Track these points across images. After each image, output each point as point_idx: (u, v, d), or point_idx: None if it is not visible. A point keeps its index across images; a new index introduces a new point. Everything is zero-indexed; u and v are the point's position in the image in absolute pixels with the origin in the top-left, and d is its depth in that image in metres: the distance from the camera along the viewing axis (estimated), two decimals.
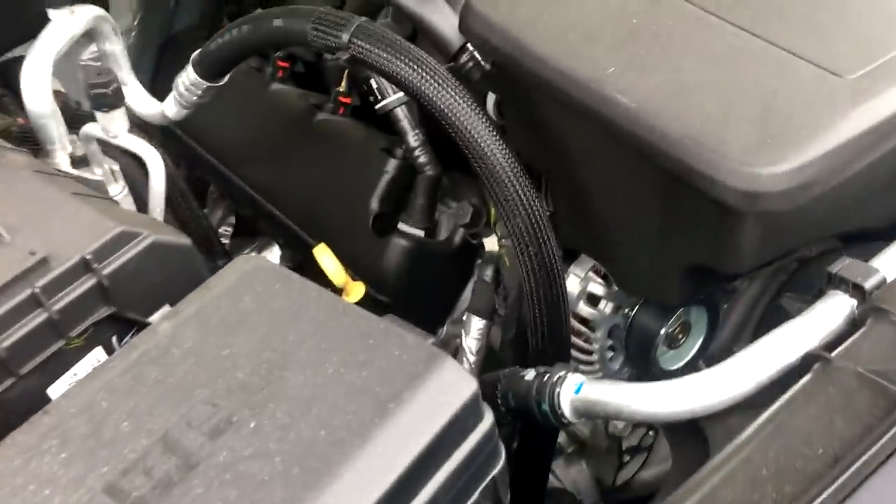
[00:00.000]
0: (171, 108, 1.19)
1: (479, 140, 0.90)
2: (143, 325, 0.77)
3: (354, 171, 1.31)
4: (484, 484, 0.67)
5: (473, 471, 0.65)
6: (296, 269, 1.56)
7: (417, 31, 1.17)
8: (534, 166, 1.06)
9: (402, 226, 1.26)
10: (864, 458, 0.60)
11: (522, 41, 0.86)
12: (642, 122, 0.79)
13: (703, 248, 0.85)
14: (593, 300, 1.09)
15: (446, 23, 1.09)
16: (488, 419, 0.65)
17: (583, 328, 1.09)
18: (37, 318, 0.70)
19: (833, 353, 0.70)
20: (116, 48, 1.20)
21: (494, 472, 0.67)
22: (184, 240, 0.79)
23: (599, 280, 1.08)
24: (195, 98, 1.16)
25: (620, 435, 1.24)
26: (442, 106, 0.91)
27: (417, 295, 1.28)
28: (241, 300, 0.70)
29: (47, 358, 0.71)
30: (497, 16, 0.90)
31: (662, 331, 1.05)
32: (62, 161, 1.05)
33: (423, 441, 0.60)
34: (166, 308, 0.78)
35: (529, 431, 0.94)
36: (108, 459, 0.59)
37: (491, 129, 0.91)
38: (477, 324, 1.17)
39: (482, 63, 1.03)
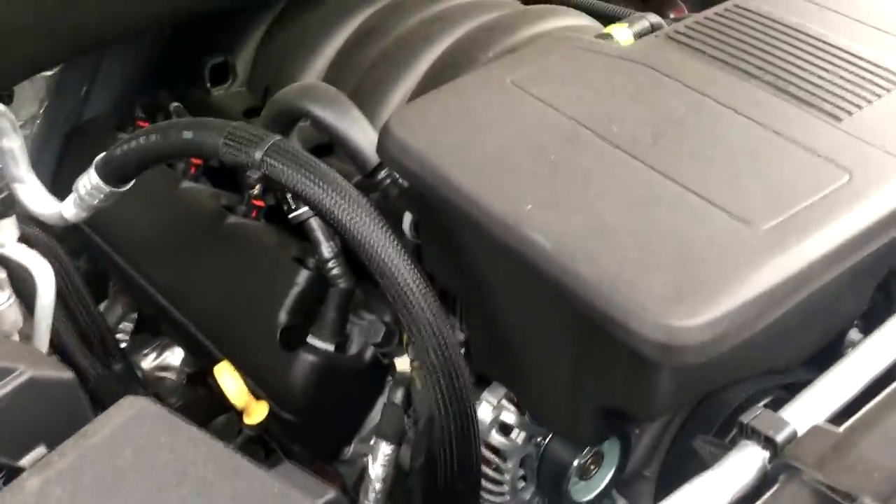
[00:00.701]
0: (69, 209, 1.13)
1: (389, 265, 0.87)
2: (13, 469, 0.70)
3: (264, 281, 1.26)
4: None
5: None
6: (198, 375, 1.50)
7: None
8: (449, 290, 1.04)
9: (311, 339, 1.20)
10: None
11: (440, 170, 0.84)
12: (558, 263, 0.77)
13: (618, 393, 0.83)
14: (505, 429, 1.05)
15: (364, 138, 1.08)
16: None
17: (494, 458, 1.05)
18: None
19: None
20: (15, 145, 1.14)
21: None
22: (66, 374, 0.73)
23: (512, 409, 1.05)
24: (96, 202, 1.10)
25: None
26: (353, 230, 0.88)
27: (325, 412, 1.22)
28: (121, 453, 0.63)
29: None
30: (415, 141, 0.88)
31: (575, 462, 1.02)
32: None
33: None
34: (41, 449, 0.71)
35: None
36: None
37: (402, 253, 0.88)
38: (385, 449, 1.12)
39: (399, 180, 1.02)
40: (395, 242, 0.88)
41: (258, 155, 0.91)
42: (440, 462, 0.93)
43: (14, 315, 1.02)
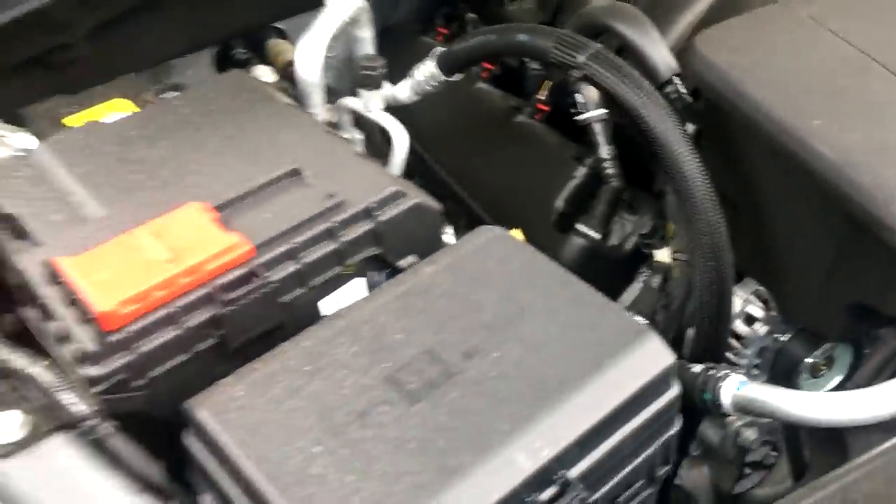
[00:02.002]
0: (403, 92, 1.38)
1: (683, 162, 1.05)
2: (393, 268, 0.96)
3: (545, 172, 1.47)
4: (662, 441, 0.82)
5: (656, 428, 0.81)
6: None
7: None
8: (721, 192, 1.20)
9: (580, 226, 1.41)
10: None
11: (741, 85, 1.00)
12: (840, 172, 0.92)
13: (871, 290, 0.97)
14: (750, 320, 1.22)
15: (658, 54, 1.24)
16: (675, 390, 0.81)
17: (736, 343, 1.22)
18: (328, 247, 0.90)
19: None
20: (367, 35, 1.40)
21: (670, 434, 0.83)
22: (437, 205, 0.98)
23: (759, 303, 1.21)
24: (429, 88, 1.35)
25: (748, 447, 1.36)
26: (656, 128, 1.06)
27: None
28: (486, 260, 0.87)
29: (328, 278, 0.91)
30: (719, 59, 1.04)
31: (809, 359, 1.17)
32: None
33: (626, 393, 0.76)
34: (412, 258, 0.96)
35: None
36: (387, 358, 0.78)
37: (696, 155, 1.06)
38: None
39: (684, 96, 1.18)
40: (690, 144, 1.05)
41: (582, 58, 1.11)
42: (695, 338, 1.11)
43: None
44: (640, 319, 0.82)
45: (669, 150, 1.05)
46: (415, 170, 1.80)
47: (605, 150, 1.40)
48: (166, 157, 0.98)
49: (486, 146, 1.61)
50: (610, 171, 1.40)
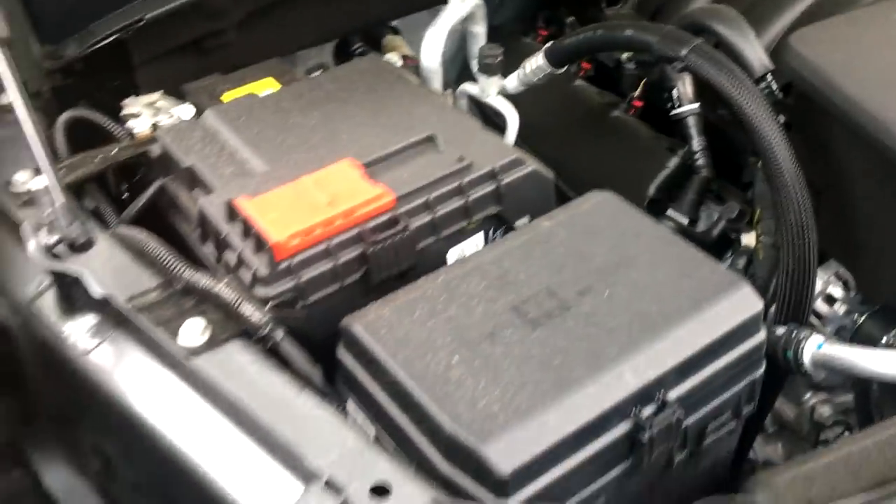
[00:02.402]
0: (512, 83, 1.52)
1: (776, 146, 1.15)
2: (508, 227, 1.09)
3: (638, 162, 1.59)
4: (748, 380, 0.93)
5: (743, 367, 0.92)
6: None
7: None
8: (808, 179, 1.30)
9: (670, 212, 1.52)
10: None
11: (833, 79, 1.11)
12: None
13: None
14: (830, 300, 1.31)
15: (752, 53, 1.35)
16: (762, 334, 0.92)
17: (816, 321, 1.32)
18: (457, 203, 1.04)
19: None
20: (481, 30, 1.54)
21: (756, 375, 0.94)
22: (550, 174, 1.11)
23: (840, 284, 1.30)
24: (535, 79, 1.48)
25: (822, 424, 1.44)
26: (752, 117, 1.17)
27: None
28: (597, 217, 1.00)
29: (455, 231, 1.05)
30: (813, 55, 1.15)
31: (884, 339, 1.26)
32: None
33: (720, 331, 0.88)
34: (526, 219, 1.09)
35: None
36: (511, 292, 0.91)
37: (787, 143, 1.16)
38: None
39: (775, 92, 1.28)
40: (782, 131, 1.16)
41: (684, 52, 1.23)
42: (780, 308, 1.21)
43: None
44: (736, 275, 0.93)
45: (763, 135, 1.16)
46: None
47: (696, 143, 1.51)
48: (317, 125, 1.14)
49: (582, 139, 1.74)
50: (700, 161, 1.51)
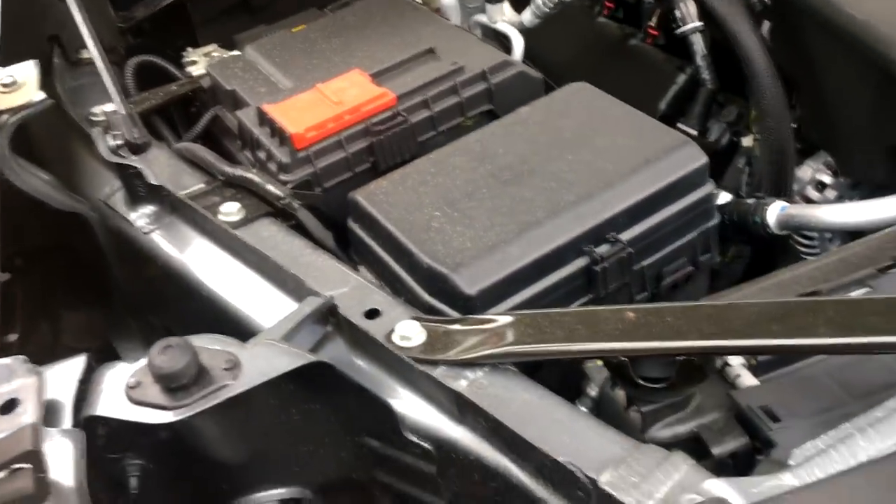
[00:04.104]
0: (527, 17, 1.67)
1: (745, 40, 1.28)
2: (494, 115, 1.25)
3: (652, 82, 1.71)
4: (700, 230, 1.06)
5: (694, 215, 1.05)
6: None
7: None
8: (790, 78, 1.40)
9: (681, 125, 1.64)
10: None
11: None
12: (870, 30, 1.12)
13: None
14: (820, 187, 1.41)
15: None
16: (709, 187, 1.05)
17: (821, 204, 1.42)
18: (452, 100, 1.21)
19: None
20: None
21: (708, 225, 1.07)
22: (538, 74, 1.26)
23: (828, 172, 1.40)
24: (547, 10, 1.62)
25: None
26: (727, 19, 1.29)
27: None
28: (571, 101, 1.15)
29: (452, 126, 1.21)
30: None
31: None
32: None
33: (666, 181, 1.02)
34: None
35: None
36: (490, 162, 1.07)
37: (760, 43, 1.28)
38: (725, 197, 1.53)
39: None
40: (758, 38, 1.27)
41: None
42: (766, 181, 1.32)
43: None
44: (681, 135, 1.06)
45: (731, 28, 1.29)
46: None
47: (700, 58, 1.62)
48: (336, 48, 1.33)
49: (604, 69, 1.86)
50: (705, 75, 1.62)
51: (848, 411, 0.75)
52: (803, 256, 1.42)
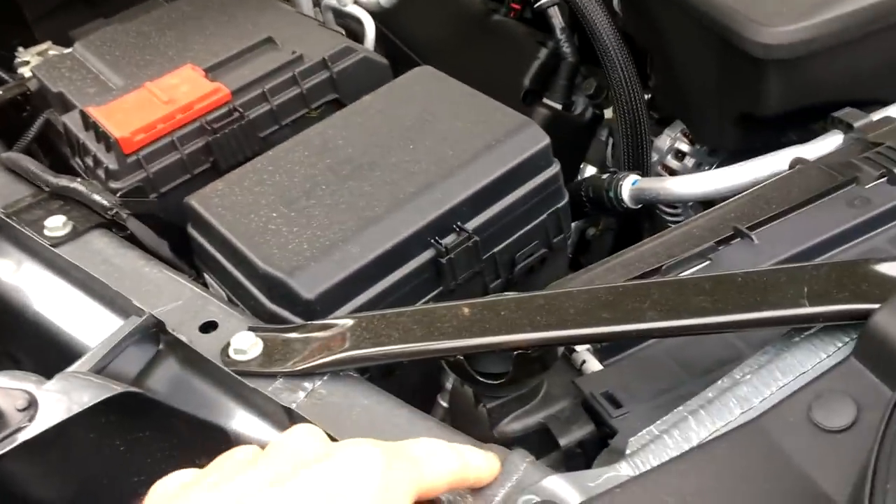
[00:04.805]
0: None
1: (592, 15, 1.26)
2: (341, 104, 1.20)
3: (515, 57, 1.69)
4: (550, 211, 1.04)
5: (542, 197, 1.03)
6: None
7: None
8: (643, 48, 1.40)
9: (545, 99, 1.63)
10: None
11: None
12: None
13: (744, 97, 1.16)
14: (679, 155, 1.41)
15: None
16: (555, 168, 1.03)
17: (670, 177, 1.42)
18: (293, 91, 1.15)
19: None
20: None
21: (559, 205, 1.05)
22: (384, 61, 1.21)
23: (686, 140, 1.41)
24: None
25: None
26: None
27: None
28: (414, 87, 1.11)
29: (296, 119, 1.16)
30: None
31: None
32: None
33: (509, 164, 0.99)
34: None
35: None
36: (330, 156, 1.03)
37: (605, 16, 1.26)
38: (591, 171, 1.53)
39: None
40: (604, 11, 1.26)
41: None
42: (621, 158, 1.32)
43: None
44: (524, 117, 1.04)
45: (584, 13, 1.27)
46: None
47: (559, 31, 1.61)
48: (171, 41, 1.25)
49: (468, 47, 1.84)
50: (566, 48, 1.60)
51: (686, 391, 0.75)
52: (669, 224, 1.43)
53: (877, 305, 0.63)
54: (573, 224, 1.16)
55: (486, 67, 1.76)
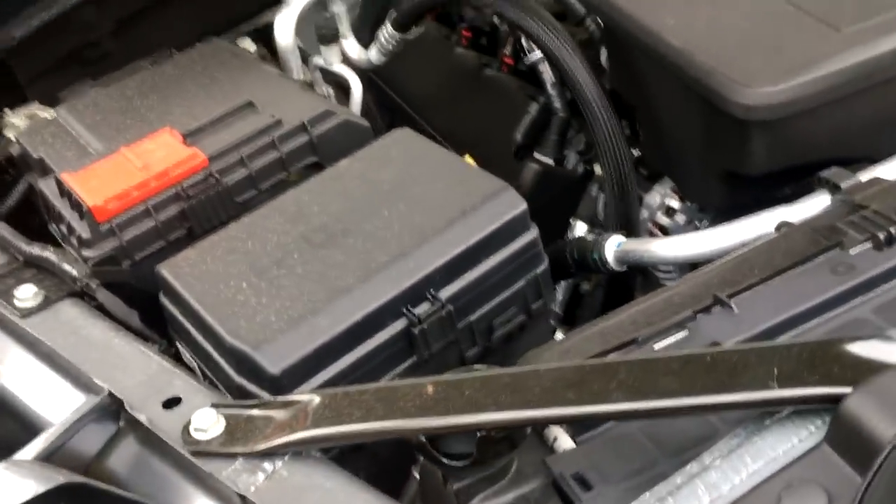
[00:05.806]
0: (374, 55, 1.62)
1: (576, 73, 1.25)
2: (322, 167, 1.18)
3: (507, 112, 1.68)
4: (529, 277, 1.02)
5: (520, 263, 1.00)
6: None
7: None
8: (630, 105, 1.38)
9: (536, 154, 1.61)
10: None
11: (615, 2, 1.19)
12: (687, 58, 1.10)
13: (729, 156, 1.14)
14: (670, 212, 1.39)
15: None
16: (533, 232, 1.01)
17: (660, 234, 1.40)
18: (272, 156, 1.14)
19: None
20: (341, 10, 1.64)
21: (537, 271, 1.02)
22: (365, 122, 1.20)
23: (676, 197, 1.38)
24: (391, 47, 1.58)
25: None
26: (554, 52, 1.26)
27: (543, 211, 1.63)
28: (391, 150, 1.10)
29: (275, 183, 1.15)
30: None
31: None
32: None
33: (485, 231, 0.97)
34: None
35: None
36: (304, 223, 1.01)
37: (589, 73, 1.25)
38: (581, 227, 1.50)
39: (600, 25, 1.37)
40: (587, 69, 1.25)
41: None
42: (609, 219, 1.30)
43: None
44: (502, 182, 1.02)
45: (562, 63, 1.25)
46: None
47: (550, 86, 1.60)
48: (153, 105, 1.25)
49: (462, 101, 1.84)
50: (557, 104, 1.60)
51: (659, 472, 0.71)
52: (662, 283, 1.40)
53: (848, 389, 0.60)
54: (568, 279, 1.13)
55: (478, 121, 1.75)
